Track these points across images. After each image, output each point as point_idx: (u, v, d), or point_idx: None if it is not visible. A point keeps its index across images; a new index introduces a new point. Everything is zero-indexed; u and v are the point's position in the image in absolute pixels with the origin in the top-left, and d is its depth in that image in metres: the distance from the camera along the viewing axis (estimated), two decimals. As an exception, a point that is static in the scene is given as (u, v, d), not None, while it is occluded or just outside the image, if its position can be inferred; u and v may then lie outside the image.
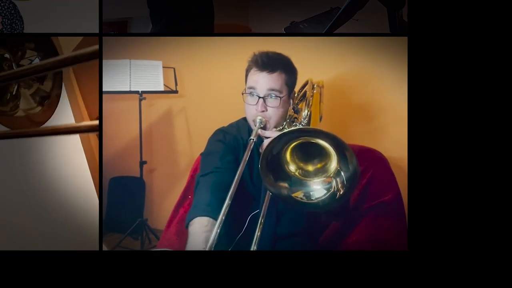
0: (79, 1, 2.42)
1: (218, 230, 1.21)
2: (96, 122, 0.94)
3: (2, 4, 1.73)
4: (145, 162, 2.93)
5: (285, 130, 1.42)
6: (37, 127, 1.06)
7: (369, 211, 1.65)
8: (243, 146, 1.67)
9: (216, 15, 2.32)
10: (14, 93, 1.13)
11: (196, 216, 1.40)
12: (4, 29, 1.77)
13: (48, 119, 1.09)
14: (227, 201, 1.28)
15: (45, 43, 1.09)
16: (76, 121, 2.98)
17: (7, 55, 1.14)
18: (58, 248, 2.35)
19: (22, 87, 1.11)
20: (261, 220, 1.42)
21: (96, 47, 0.87)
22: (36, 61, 1.13)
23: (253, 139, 1.49)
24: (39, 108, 1.11)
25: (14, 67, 1.12)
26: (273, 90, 1.57)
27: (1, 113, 1.08)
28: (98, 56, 0.87)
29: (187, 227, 1.43)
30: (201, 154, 1.75)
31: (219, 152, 1.65)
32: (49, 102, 1.11)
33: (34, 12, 1.95)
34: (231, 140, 1.69)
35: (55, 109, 1.09)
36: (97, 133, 1.02)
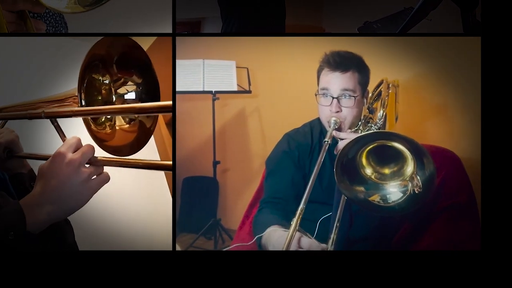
0: (152, 1, 2.52)
1: (294, 233, 1.24)
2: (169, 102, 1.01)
3: (46, 11, 1.72)
4: (218, 162, 2.97)
5: (361, 134, 1.44)
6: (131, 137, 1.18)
7: (442, 212, 1.62)
8: (313, 148, 1.69)
9: (288, 15, 2.36)
10: (109, 116, 1.22)
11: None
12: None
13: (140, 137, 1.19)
14: (301, 205, 1.29)
15: (150, 81, 1.18)
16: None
17: (107, 81, 1.22)
18: (132, 248, 2.46)
19: None
20: (336, 224, 1.44)
21: (170, 103, 0.96)
22: (132, 93, 1.22)
23: (328, 141, 1.50)
24: (127, 125, 1.19)
25: (112, 92, 1.22)
26: (346, 90, 1.58)
27: (99, 136, 1.18)
28: (171, 110, 0.96)
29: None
30: (266, 162, 1.81)
31: (284, 174, 1.69)
32: (134, 123, 1.19)
33: (108, 13, 2.08)
34: (295, 149, 1.72)
35: (146, 136, 1.18)
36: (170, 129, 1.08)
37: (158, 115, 1.22)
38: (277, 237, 1.46)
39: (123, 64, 1.22)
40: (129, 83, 1.24)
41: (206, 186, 3.08)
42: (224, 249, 2.19)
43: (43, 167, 1.10)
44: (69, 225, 1.35)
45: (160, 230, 2.58)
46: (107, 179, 1.14)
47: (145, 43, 2.41)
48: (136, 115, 1.20)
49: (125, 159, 1.15)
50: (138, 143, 1.20)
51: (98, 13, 1.86)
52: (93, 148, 1.12)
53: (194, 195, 3.08)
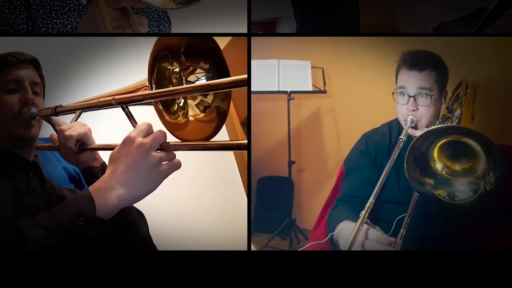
0: (228, 1, 2.59)
1: (361, 225, 1.29)
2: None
3: (149, 7, 1.76)
4: (293, 162, 2.99)
5: (435, 127, 1.44)
6: (207, 129, 1.19)
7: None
8: (391, 148, 1.70)
9: (363, 15, 2.37)
10: (181, 104, 1.23)
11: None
12: (151, 31, 1.82)
13: (216, 126, 1.20)
14: (370, 199, 1.34)
15: (219, 67, 1.19)
16: (226, 121, 3.19)
17: (177, 69, 1.24)
18: (207, 248, 2.44)
19: (189, 99, 1.22)
20: (406, 220, 1.46)
21: (245, 76, 0.96)
22: (202, 79, 1.22)
23: (403, 139, 1.52)
24: (202, 114, 1.21)
25: (182, 81, 1.24)
26: (423, 88, 1.61)
27: (173, 125, 1.19)
28: (246, 84, 0.95)
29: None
30: (344, 161, 1.83)
31: (360, 173, 1.72)
32: (210, 110, 1.20)
33: (183, 13, 2.14)
34: (372, 149, 1.74)
35: (221, 120, 1.19)
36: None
37: (231, 99, 1.22)
38: (347, 231, 1.49)
39: (190, 53, 1.24)
40: (198, 70, 1.25)
41: (281, 186, 3.09)
42: (299, 249, 2.21)
43: (113, 153, 1.12)
44: (143, 218, 1.39)
45: (235, 230, 2.59)
46: (178, 165, 1.14)
47: (220, 43, 2.47)
48: (211, 102, 1.21)
49: (197, 143, 1.17)
50: (215, 130, 1.20)
51: (172, 12, 1.89)
52: (164, 134, 1.13)
53: (269, 195, 3.09)
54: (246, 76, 0.95)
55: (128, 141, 1.10)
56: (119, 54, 2.90)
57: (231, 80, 0.99)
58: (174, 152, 1.15)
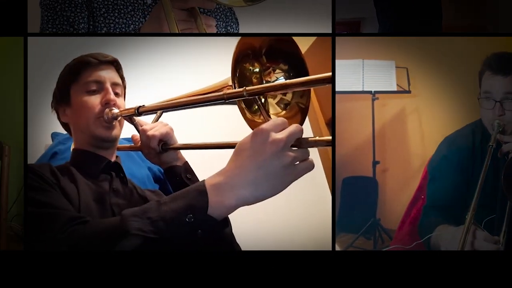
0: (312, 1, 2.50)
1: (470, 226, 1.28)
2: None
3: (217, 7, 1.73)
4: (378, 162, 2.96)
5: None
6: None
7: None
8: (475, 152, 1.66)
9: (448, 14, 2.33)
10: (262, 102, 1.16)
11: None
12: (219, 31, 1.76)
13: (296, 122, 1.10)
14: (474, 200, 1.34)
15: (299, 68, 1.17)
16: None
17: (257, 69, 1.22)
18: (291, 248, 2.49)
19: (269, 97, 1.19)
20: (504, 229, 1.43)
21: (329, 74, 0.90)
22: (281, 79, 1.19)
23: (492, 146, 1.49)
24: (284, 112, 1.18)
25: (262, 81, 1.22)
26: (509, 93, 1.55)
27: (256, 124, 1.14)
28: (331, 82, 0.90)
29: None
30: (428, 167, 1.79)
31: (444, 180, 1.69)
32: (290, 107, 1.18)
33: (268, 13, 2.05)
34: (455, 153, 1.69)
35: (304, 115, 1.15)
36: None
37: (310, 95, 1.17)
38: (447, 234, 1.46)
39: (272, 54, 1.20)
40: (277, 71, 1.22)
41: (366, 186, 3.08)
42: (384, 249, 2.21)
43: (242, 143, 0.95)
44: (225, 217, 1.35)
45: (320, 230, 2.56)
46: (311, 166, 0.95)
47: (305, 43, 2.49)
48: (290, 99, 1.18)
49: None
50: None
51: (253, 12, 1.79)
52: (301, 129, 0.95)
53: (354, 195, 3.08)
54: (330, 74, 0.90)
55: (260, 134, 0.92)
56: (193, 54, 2.91)
57: (316, 78, 0.93)
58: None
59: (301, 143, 0.95)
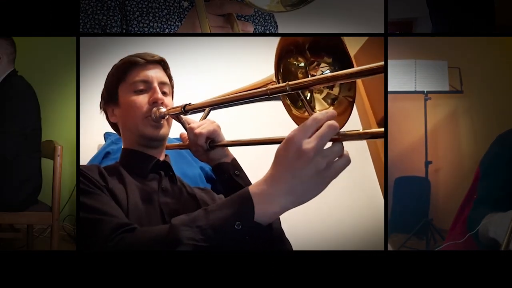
0: (364, 1, 2.47)
1: None
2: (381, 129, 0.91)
3: (255, 10, 1.67)
4: (430, 162, 2.94)
5: None
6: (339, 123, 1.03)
7: None
8: None
9: (501, 14, 2.30)
10: (308, 98, 1.17)
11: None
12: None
13: (347, 116, 1.12)
14: None
15: (344, 60, 1.14)
16: (361, 120, 3.22)
17: (302, 64, 1.20)
18: (343, 248, 2.38)
19: (315, 92, 1.16)
20: None
21: (382, 63, 0.88)
22: (327, 72, 1.17)
23: None
24: (331, 107, 1.16)
25: (308, 75, 1.19)
26: None
27: (302, 120, 1.11)
28: (383, 71, 0.87)
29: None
30: (480, 163, 1.77)
31: (496, 176, 1.66)
32: (338, 102, 1.15)
33: (317, 12, 1.96)
34: (508, 151, 1.67)
35: (350, 110, 1.13)
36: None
37: (356, 87, 1.14)
38: (498, 218, 1.45)
39: (315, 48, 1.18)
40: (322, 64, 1.19)
41: (418, 186, 3.06)
42: (436, 249, 2.19)
43: (278, 152, 0.95)
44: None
45: (372, 230, 2.52)
46: (347, 162, 0.93)
47: (357, 43, 2.50)
48: (337, 93, 1.14)
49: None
50: (345, 121, 1.12)
51: (303, 13, 1.94)
52: (335, 127, 0.92)
53: (406, 195, 3.07)
54: (382, 63, 0.88)
55: (290, 142, 0.92)
56: (237, 54, 2.93)
57: (369, 68, 0.89)
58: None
59: (341, 136, 0.93)
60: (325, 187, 0.92)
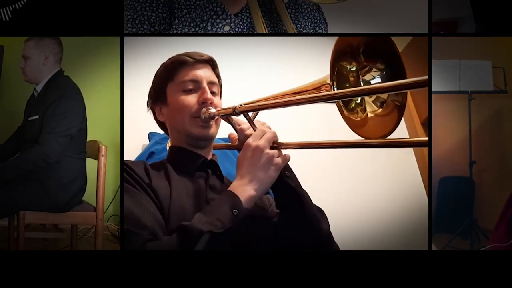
0: (409, 1, 2.43)
1: None
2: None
3: (305, 7, 1.70)
4: (474, 162, 2.89)
5: None
6: (387, 125, 1.15)
7: None
8: None
9: None
10: (358, 101, 1.21)
11: None
12: (306, 32, 1.72)
13: (394, 119, 1.15)
14: None
15: (396, 67, 1.16)
16: (405, 120, 3.22)
17: (354, 68, 1.22)
18: (388, 248, 2.45)
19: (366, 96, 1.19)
20: None
21: (426, 77, 0.90)
22: (377, 79, 1.20)
23: None
24: (380, 109, 1.18)
25: (359, 79, 1.22)
26: None
27: (353, 122, 1.17)
28: (427, 85, 0.90)
29: None
30: None
31: None
32: (386, 105, 1.17)
33: (360, 12, 2.06)
34: None
35: (398, 114, 1.15)
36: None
37: (407, 94, 1.16)
38: None
39: (369, 53, 1.20)
40: (374, 69, 1.20)
41: (462, 185, 3.04)
42: (480, 249, 2.17)
43: (240, 156, 1.26)
44: (323, 215, 1.34)
45: (416, 230, 2.53)
46: (288, 158, 1.27)
47: (401, 43, 2.51)
48: (386, 97, 1.16)
49: (377, 140, 1.13)
50: (395, 125, 1.15)
51: (349, 12, 1.85)
52: (275, 134, 1.27)
53: (450, 195, 3.07)
54: (426, 77, 0.90)
55: (247, 146, 1.25)
56: (289, 54, 2.96)
57: (412, 81, 0.94)
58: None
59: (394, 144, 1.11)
60: (277, 174, 1.24)
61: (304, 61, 2.92)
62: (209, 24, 1.54)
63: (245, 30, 1.58)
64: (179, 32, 1.56)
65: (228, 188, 1.22)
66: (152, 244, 1.14)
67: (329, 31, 1.79)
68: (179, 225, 1.13)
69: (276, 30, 1.61)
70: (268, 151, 1.23)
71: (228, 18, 1.54)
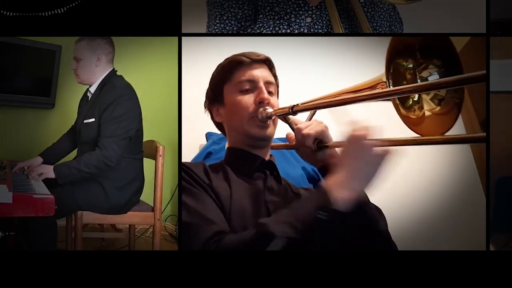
0: (466, 1, 2.45)
1: None
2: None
3: (381, 6, 1.72)
4: None
5: None
6: (445, 123, 1.14)
7: None
8: None
9: None
10: (416, 99, 1.21)
11: None
12: (382, 31, 1.74)
13: (453, 117, 1.15)
14: None
15: (453, 63, 1.16)
16: (463, 120, 3.22)
17: (411, 65, 1.22)
18: (445, 248, 2.48)
19: (423, 93, 1.19)
20: None
21: (484, 72, 0.89)
22: (435, 75, 1.20)
23: None
24: (438, 107, 1.18)
25: (416, 76, 1.22)
26: None
27: (410, 120, 1.17)
28: (485, 79, 0.89)
29: None
30: None
31: None
32: (445, 102, 1.17)
33: (421, 12, 2.05)
34: None
35: (456, 111, 1.15)
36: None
37: (464, 88, 1.16)
38: None
39: (425, 50, 1.20)
40: (431, 66, 1.20)
41: None
42: None
43: (345, 148, 1.13)
44: (381, 214, 1.33)
45: (473, 230, 2.58)
46: (390, 150, 1.09)
47: (459, 43, 2.52)
48: (444, 94, 1.15)
49: (435, 137, 1.11)
50: (453, 123, 1.15)
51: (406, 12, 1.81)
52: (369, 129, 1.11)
53: (508, 195, 2.98)
54: (484, 72, 0.90)
55: (353, 138, 1.11)
56: (342, 53, 3.02)
57: (469, 76, 0.93)
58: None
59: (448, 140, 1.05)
60: (380, 170, 1.08)
61: (363, 61, 2.96)
62: (292, 16, 1.61)
63: (324, 25, 1.63)
64: (264, 25, 1.62)
65: (322, 181, 1.11)
66: (224, 239, 1.12)
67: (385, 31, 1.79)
68: (258, 223, 1.10)
69: (352, 28, 1.64)
70: (369, 141, 1.10)
71: (310, 10, 1.60)
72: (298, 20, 1.61)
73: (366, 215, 1.25)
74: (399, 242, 1.37)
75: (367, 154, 1.07)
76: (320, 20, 1.64)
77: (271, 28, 1.65)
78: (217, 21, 1.67)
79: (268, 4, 1.64)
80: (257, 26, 1.64)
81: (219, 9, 1.66)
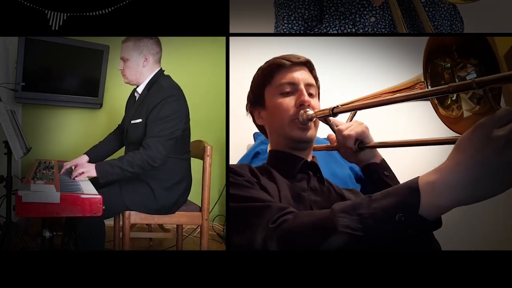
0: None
1: None
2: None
3: (441, 5, 1.71)
4: None
5: None
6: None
7: None
8: None
9: None
10: (454, 98, 1.19)
11: None
12: (443, 30, 1.73)
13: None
14: None
15: (490, 62, 1.14)
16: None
17: (448, 65, 1.21)
18: (486, 247, 2.47)
19: (461, 92, 1.15)
20: None
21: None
22: (473, 74, 1.18)
23: None
24: (477, 106, 1.15)
25: (454, 76, 1.21)
26: None
27: (449, 119, 1.15)
28: None
29: None
30: None
31: None
32: (484, 101, 1.14)
33: (474, 12, 1.97)
34: None
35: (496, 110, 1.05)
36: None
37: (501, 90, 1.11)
38: None
39: (462, 50, 1.19)
40: (468, 65, 1.19)
41: None
42: None
43: (462, 139, 0.84)
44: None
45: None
46: None
47: (507, 43, 2.45)
48: (483, 93, 1.12)
49: None
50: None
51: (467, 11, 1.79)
52: None
53: None
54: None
55: (481, 129, 0.82)
56: (380, 54, 2.99)
57: (506, 75, 0.87)
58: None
59: None
60: (509, 187, 0.81)
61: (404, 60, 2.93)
62: (357, 16, 1.64)
63: (387, 25, 1.66)
64: (330, 25, 1.65)
65: (421, 177, 0.88)
66: (291, 216, 1.06)
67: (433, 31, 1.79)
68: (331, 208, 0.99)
69: (414, 28, 1.66)
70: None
71: (374, 10, 1.64)
72: (362, 20, 1.63)
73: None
74: (447, 243, 1.37)
75: (497, 159, 0.79)
76: (383, 20, 1.66)
77: (337, 28, 1.66)
78: (285, 21, 1.70)
79: (333, 5, 1.66)
80: (324, 26, 1.66)
81: (287, 10, 1.69)
